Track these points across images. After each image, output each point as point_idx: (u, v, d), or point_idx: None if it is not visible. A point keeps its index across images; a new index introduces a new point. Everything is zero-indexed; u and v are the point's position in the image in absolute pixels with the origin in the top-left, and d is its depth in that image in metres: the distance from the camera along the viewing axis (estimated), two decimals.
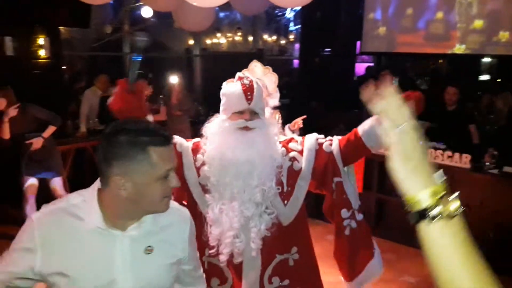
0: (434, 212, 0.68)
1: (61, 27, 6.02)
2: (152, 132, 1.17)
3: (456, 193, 0.70)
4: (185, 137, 6.22)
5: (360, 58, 9.83)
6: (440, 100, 5.36)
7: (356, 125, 2.10)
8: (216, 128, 1.98)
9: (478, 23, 6.42)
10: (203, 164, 1.99)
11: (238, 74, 2.04)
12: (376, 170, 4.80)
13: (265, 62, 3.59)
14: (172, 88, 5.55)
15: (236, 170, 1.89)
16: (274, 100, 3.06)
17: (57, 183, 4.38)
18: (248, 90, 1.94)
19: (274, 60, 10.15)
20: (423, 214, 0.69)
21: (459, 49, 6.59)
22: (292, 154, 2.06)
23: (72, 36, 7.76)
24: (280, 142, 2.07)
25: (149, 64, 9.06)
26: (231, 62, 9.16)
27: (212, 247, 1.95)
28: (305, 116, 3.40)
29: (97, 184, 1.24)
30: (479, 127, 5.27)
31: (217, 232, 1.91)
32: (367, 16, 7.26)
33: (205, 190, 1.98)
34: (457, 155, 4.29)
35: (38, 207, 4.30)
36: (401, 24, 6.99)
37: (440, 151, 4.40)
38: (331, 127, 5.71)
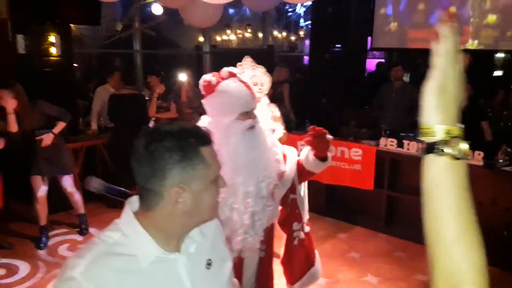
0: (443, 147, 0.69)
1: (72, 25, 6.04)
2: (196, 131, 1.08)
3: (468, 142, 0.71)
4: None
5: (371, 54, 9.75)
6: None
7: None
8: (226, 130, 1.92)
9: (492, 18, 6.32)
10: None
11: (229, 70, 2.00)
12: (387, 168, 4.76)
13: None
14: (182, 85, 5.56)
15: (249, 169, 1.93)
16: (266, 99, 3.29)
17: (67, 181, 4.39)
18: (251, 90, 1.99)
19: (284, 56, 10.12)
20: (432, 147, 0.70)
21: (472, 44, 6.50)
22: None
23: (82, 33, 7.81)
24: None
25: (159, 61, 9.11)
26: (241, 59, 9.17)
27: None
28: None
29: (129, 211, 1.09)
30: (492, 124, 5.20)
31: (227, 232, 1.88)
32: (378, 12, 7.18)
33: None
34: (469, 152, 4.23)
35: (49, 207, 4.33)
36: (412, 19, 6.90)
37: None
38: (342, 123, 5.68)
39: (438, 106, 0.72)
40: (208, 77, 2.02)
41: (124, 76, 5.17)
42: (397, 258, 4.29)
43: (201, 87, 2.04)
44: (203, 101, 2.04)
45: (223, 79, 1.98)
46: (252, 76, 3.15)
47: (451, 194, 0.69)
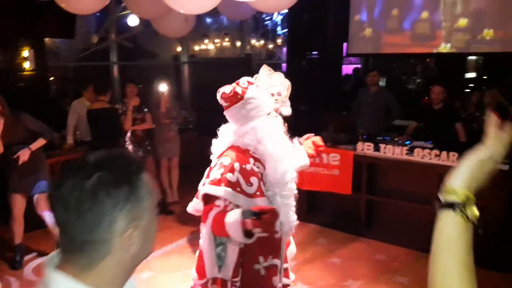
0: (462, 207, 0.80)
1: (45, 38, 5.98)
2: (131, 156, 0.95)
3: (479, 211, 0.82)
4: (174, 145, 6.18)
5: (347, 59, 9.88)
6: (427, 99, 5.39)
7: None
8: (266, 129, 2.12)
9: (463, 22, 6.48)
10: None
11: (247, 79, 2.19)
12: (365, 172, 4.80)
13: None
14: (161, 96, 5.54)
15: (291, 157, 2.19)
16: (287, 108, 2.76)
17: (44, 198, 4.25)
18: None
19: (262, 64, 10.15)
20: (451, 205, 0.81)
21: (444, 48, 6.64)
22: None
23: (57, 46, 7.73)
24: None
25: (137, 73, 9.06)
26: (220, 68, 9.17)
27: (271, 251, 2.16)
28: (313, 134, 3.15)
29: (62, 278, 0.83)
30: (466, 125, 5.30)
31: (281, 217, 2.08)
32: (353, 18, 7.30)
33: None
34: (444, 153, 4.31)
35: (26, 223, 4.21)
36: (386, 25, 7.03)
37: (428, 150, 4.42)
38: (321, 129, 5.72)
39: (470, 178, 0.84)
40: (229, 88, 2.14)
41: (101, 88, 5.11)
42: (378, 261, 4.32)
43: (222, 99, 2.17)
44: (227, 112, 2.18)
45: (245, 88, 2.12)
46: (269, 86, 3.06)
47: (460, 247, 0.80)
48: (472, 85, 8.55)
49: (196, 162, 7.30)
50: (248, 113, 2.10)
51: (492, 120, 0.90)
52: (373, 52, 7.36)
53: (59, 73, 8.58)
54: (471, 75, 9.76)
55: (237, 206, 2.01)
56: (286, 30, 10.01)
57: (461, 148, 4.55)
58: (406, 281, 3.92)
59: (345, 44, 7.62)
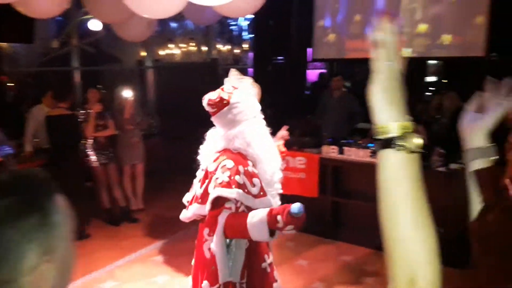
0: (399, 141, 0.74)
1: (2, 43, 5.75)
2: (41, 175, 0.79)
3: (421, 136, 0.75)
4: (138, 151, 6.07)
5: (313, 64, 9.98)
6: None
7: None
8: (254, 132, 2.18)
9: (423, 27, 6.66)
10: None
11: (231, 84, 2.25)
12: (330, 175, 4.85)
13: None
14: (125, 102, 5.42)
15: (277, 158, 2.29)
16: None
17: None
18: None
19: (229, 69, 10.13)
20: (388, 142, 0.74)
21: (406, 52, 6.80)
22: None
23: (15, 51, 7.46)
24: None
25: (100, 78, 8.86)
26: (185, 73, 9.11)
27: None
28: (288, 126, 3.28)
29: None
30: (427, 128, 5.44)
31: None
32: (317, 24, 7.38)
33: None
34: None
35: None
36: (350, 30, 7.15)
37: None
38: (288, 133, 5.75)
39: (388, 105, 0.76)
40: (215, 94, 2.18)
41: (60, 94, 4.95)
42: (344, 263, 4.36)
43: (208, 105, 2.19)
44: (214, 118, 2.21)
45: (230, 93, 2.18)
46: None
47: (407, 184, 0.73)
48: (432, 88, 8.81)
49: (160, 168, 7.20)
50: (235, 117, 2.16)
51: (379, 29, 0.80)
52: (337, 57, 7.46)
53: (18, 78, 8.27)
54: (431, 79, 10.05)
55: (247, 208, 2.05)
56: (252, 35, 10.05)
57: (422, 149, 4.67)
58: (372, 281, 3.97)
59: (310, 49, 7.70)
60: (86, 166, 5.22)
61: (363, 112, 6.00)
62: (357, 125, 5.94)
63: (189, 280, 2.26)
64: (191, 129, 7.60)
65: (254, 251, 2.16)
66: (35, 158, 5.22)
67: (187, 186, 7.03)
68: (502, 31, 5.57)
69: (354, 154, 4.70)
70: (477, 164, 1.03)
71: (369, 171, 4.60)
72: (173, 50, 10.29)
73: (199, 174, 2.30)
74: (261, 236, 1.93)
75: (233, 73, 3.24)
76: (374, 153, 4.62)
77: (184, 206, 2.39)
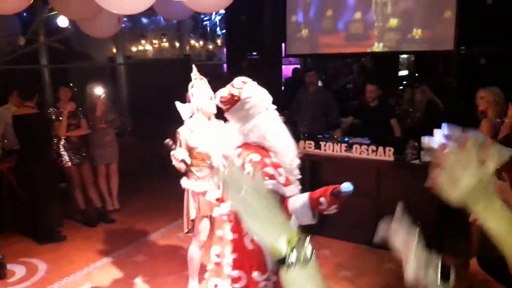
0: (291, 259, 0.74)
1: None
2: None
3: (308, 237, 0.76)
4: (112, 151, 5.94)
5: (288, 60, 10.01)
6: (363, 98, 5.56)
7: (287, 126, 2.33)
8: (270, 124, 2.23)
9: (393, 22, 6.76)
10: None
11: (241, 79, 2.28)
12: (308, 170, 4.87)
13: (194, 65, 3.54)
14: (96, 100, 5.30)
15: (294, 147, 2.29)
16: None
17: None
18: None
19: (203, 65, 10.05)
20: (283, 261, 0.75)
21: (377, 47, 6.90)
22: None
23: None
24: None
25: (70, 76, 8.63)
26: (158, 69, 8.96)
27: None
28: None
29: None
30: (400, 121, 5.54)
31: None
32: (290, 19, 7.40)
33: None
34: (381, 149, 4.47)
35: None
36: (322, 26, 7.19)
37: (365, 146, 4.56)
38: None
39: (265, 229, 0.78)
40: (226, 91, 2.22)
41: (26, 93, 4.79)
42: (322, 256, 4.39)
43: (221, 103, 2.25)
44: (228, 114, 2.26)
45: (240, 88, 2.21)
46: (205, 88, 3.32)
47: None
48: (405, 82, 8.97)
49: (134, 168, 7.07)
50: (247, 112, 2.20)
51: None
52: (311, 52, 7.51)
53: None
54: (403, 73, 10.24)
55: (281, 197, 2.15)
56: (224, 31, 9.98)
57: (397, 142, 4.75)
58: (350, 275, 4.02)
59: (284, 45, 7.71)
60: (59, 166, 5.08)
61: (337, 106, 6.06)
62: (332, 120, 5.99)
63: (231, 273, 2.24)
64: (164, 127, 7.51)
65: None
66: (4, 160, 5.06)
67: (162, 185, 6.98)
68: (470, 25, 5.71)
69: (330, 148, 4.74)
70: None
71: (345, 165, 4.68)
72: (145, 47, 10.12)
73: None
74: (306, 219, 2.08)
75: (195, 70, 3.31)
76: (350, 147, 4.68)
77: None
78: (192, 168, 3.37)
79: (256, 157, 2.12)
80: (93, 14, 4.38)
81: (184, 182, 3.43)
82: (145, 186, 6.86)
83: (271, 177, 2.10)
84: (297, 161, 2.29)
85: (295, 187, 2.22)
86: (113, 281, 4.00)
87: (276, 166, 2.15)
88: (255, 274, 2.19)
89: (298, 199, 2.09)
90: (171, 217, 5.51)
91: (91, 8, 4.09)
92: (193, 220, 3.41)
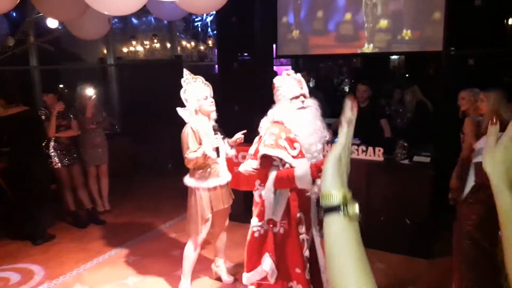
0: (341, 209, 0.81)
1: None
2: None
3: (357, 203, 0.83)
4: (102, 152, 5.91)
5: (279, 61, 10.03)
6: (354, 97, 5.57)
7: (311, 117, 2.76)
8: (290, 109, 2.78)
9: (383, 23, 6.80)
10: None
11: (286, 72, 2.90)
12: None
13: (186, 68, 3.56)
14: (86, 101, 5.28)
15: (316, 133, 2.75)
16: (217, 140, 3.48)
17: None
18: (298, 81, 2.83)
19: (194, 66, 10.04)
20: (333, 209, 0.81)
21: (368, 48, 6.93)
22: None
23: None
24: None
25: (60, 77, 8.58)
26: (150, 70, 8.94)
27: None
28: (245, 131, 3.55)
29: None
30: (390, 121, 5.58)
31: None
32: (281, 20, 7.41)
33: None
34: (371, 149, 4.50)
35: None
36: (313, 27, 7.21)
37: (355, 146, 4.58)
38: (255, 129, 5.76)
39: (336, 175, 0.85)
40: (275, 79, 2.90)
41: (21, 94, 4.76)
42: None
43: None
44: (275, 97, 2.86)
45: (278, 79, 2.90)
46: (198, 90, 3.46)
47: (350, 248, 0.79)
48: (395, 82, 9.02)
49: (124, 169, 7.03)
50: (277, 97, 2.83)
51: (346, 106, 0.93)
52: (302, 53, 7.52)
53: None
54: (394, 73, 10.30)
55: (290, 165, 2.65)
56: (215, 31, 9.97)
57: (386, 142, 4.79)
58: None
59: (275, 46, 7.72)
60: (49, 168, 5.05)
61: (328, 107, 6.08)
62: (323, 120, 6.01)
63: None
64: (155, 128, 7.50)
65: (294, 201, 2.75)
66: None
67: (153, 186, 6.96)
68: (459, 26, 5.77)
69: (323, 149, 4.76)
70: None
71: None
72: (136, 47, 10.07)
73: (257, 139, 2.91)
74: (305, 184, 2.58)
75: (186, 72, 3.39)
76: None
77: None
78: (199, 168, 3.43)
79: (275, 130, 2.68)
80: (77, 16, 4.35)
81: (192, 182, 3.42)
82: (136, 187, 6.84)
83: (281, 147, 2.62)
84: (317, 147, 2.75)
85: (305, 161, 2.64)
86: (104, 282, 3.99)
87: (292, 141, 2.67)
88: (253, 220, 2.86)
89: (301, 167, 2.58)
90: (163, 218, 5.51)
91: (75, 10, 4.04)
92: (206, 220, 3.44)
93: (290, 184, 2.62)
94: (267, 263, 2.78)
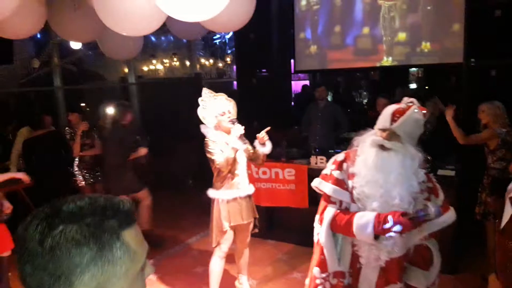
0: None
1: None
2: (115, 207, 0.77)
3: None
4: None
5: (296, 76, 10.08)
6: (372, 112, 5.56)
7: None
8: (367, 141, 2.18)
9: (402, 36, 6.79)
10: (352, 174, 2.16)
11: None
12: None
13: (204, 86, 3.62)
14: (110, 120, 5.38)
15: (402, 184, 2.03)
16: (238, 127, 3.38)
17: None
18: (392, 113, 2.12)
19: (213, 83, 10.17)
20: None
21: (386, 61, 6.92)
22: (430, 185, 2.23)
23: None
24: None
25: (83, 96, 8.79)
26: (170, 88, 9.08)
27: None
28: (269, 128, 3.56)
29: None
30: None
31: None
32: (298, 36, 7.47)
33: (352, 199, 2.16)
34: None
35: None
36: (330, 41, 7.24)
37: None
38: (274, 144, 5.77)
39: None
40: None
41: (36, 125, 4.89)
42: (279, 260, 4.50)
43: None
44: None
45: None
46: (216, 106, 3.44)
47: None
48: (415, 95, 8.94)
49: (148, 184, 7.12)
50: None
51: None
52: (320, 68, 7.55)
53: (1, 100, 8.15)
54: (413, 86, 10.22)
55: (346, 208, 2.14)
56: (234, 49, 10.10)
57: None
58: (300, 276, 3.97)
59: (292, 61, 7.78)
60: (73, 186, 5.14)
61: (347, 121, 6.07)
62: (343, 135, 5.99)
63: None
64: (176, 145, 7.58)
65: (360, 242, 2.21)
66: (20, 181, 5.12)
67: (173, 202, 6.98)
68: (479, 37, 5.72)
69: None
70: None
71: None
72: (156, 66, 10.27)
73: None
74: (366, 237, 2.03)
75: (205, 91, 3.43)
76: None
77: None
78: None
79: (341, 156, 2.24)
80: (96, 37, 4.45)
81: (213, 192, 3.46)
82: (156, 202, 6.88)
83: (337, 182, 2.16)
84: (367, 193, 2.12)
85: (359, 206, 2.14)
86: None
87: (349, 176, 2.17)
88: (315, 270, 2.26)
89: (365, 215, 2.05)
90: (185, 234, 5.52)
91: (93, 32, 4.15)
92: (224, 232, 3.43)
93: (349, 233, 2.11)
94: None
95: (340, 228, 2.12)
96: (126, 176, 4.83)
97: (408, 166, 2.05)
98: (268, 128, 3.55)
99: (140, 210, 5.04)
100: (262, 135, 3.51)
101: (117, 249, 0.74)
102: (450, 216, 2.04)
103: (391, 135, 2.05)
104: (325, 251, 2.20)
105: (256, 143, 3.55)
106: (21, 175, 4.00)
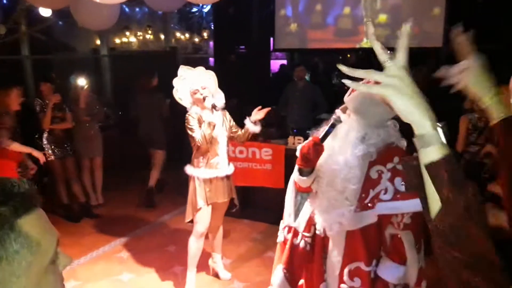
0: (435, 135, 0.83)
1: None
2: (3, 190, 0.65)
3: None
4: (96, 144, 5.80)
5: (274, 55, 9.93)
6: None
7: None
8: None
9: (382, 18, 6.75)
10: None
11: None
12: None
13: (179, 61, 3.47)
14: (79, 91, 5.15)
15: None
16: (220, 97, 3.42)
17: None
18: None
19: (189, 58, 9.92)
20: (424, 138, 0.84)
21: (366, 43, 6.88)
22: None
23: None
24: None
25: (53, 67, 8.41)
26: (143, 62, 8.80)
27: None
28: (269, 108, 3.51)
29: None
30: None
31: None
32: (278, 13, 7.33)
33: None
34: None
35: None
36: (311, 20, 7.14)
37: None
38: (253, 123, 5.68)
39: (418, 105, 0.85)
40: None
41: (13, 84, 4.62)
42: (254, 239, 4.49)
43: None
44: None
45: None
46: (192, 83, 3.29)
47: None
48: None
49: (118, 162, 6.91)
50: None
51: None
52: (299, 47, 7.46)
53: None
54: None
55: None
56: (212, 23, 9.84)
57: None
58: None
59: (272, 39, 7.64)
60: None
61: (325, 102, 6.02)
62: (321, 116, 5.95)
63: None
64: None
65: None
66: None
67: (147, 179, 6.81)
68: (459, 22, 5.73)
69: None
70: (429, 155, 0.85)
71: None
72: (130, 38, 9.91)
73: None
74: (297, 177, 2.15)
75: (181, 70, 3.28)
76: None
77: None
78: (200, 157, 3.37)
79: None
80: (66, 4, 4.21)
81: (191, 169, 3.36)
82: (131, 180, 6.73)
83: None
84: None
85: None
86: (98, 278, 3.90)
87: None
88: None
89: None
90: (158, 212, 5.42)
91: None
92: (197, 209, 3.35)
93: (297, 184, 2.20)
94: (277, 277, 2.30)
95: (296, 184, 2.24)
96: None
97: (352, 137, 2.05)
98: (269, 108, 3.48)
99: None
100: (261, 114, 3.46)
101: (12, 241, 0.62)
102: (408, 204, 1.94)
103: (344, 108, 2.14)
104: (285, 204, 2.35)
105: (247, 121, 3.47)
106: (39, 155, 4.08)
